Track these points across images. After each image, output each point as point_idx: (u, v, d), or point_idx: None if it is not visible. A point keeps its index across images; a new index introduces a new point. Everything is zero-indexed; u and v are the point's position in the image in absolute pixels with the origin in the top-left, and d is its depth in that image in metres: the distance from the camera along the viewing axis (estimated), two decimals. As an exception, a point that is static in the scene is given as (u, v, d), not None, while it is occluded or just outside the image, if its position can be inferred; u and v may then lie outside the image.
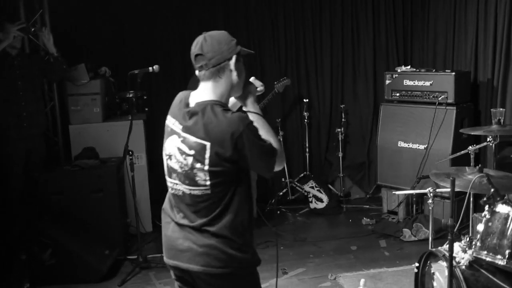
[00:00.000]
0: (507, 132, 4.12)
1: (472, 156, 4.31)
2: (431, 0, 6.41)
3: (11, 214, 4.90)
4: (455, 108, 5.35)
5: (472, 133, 4.51)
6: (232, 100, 2.55)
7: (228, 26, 6.22)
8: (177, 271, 2.47)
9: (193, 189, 2.32)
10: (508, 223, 3.14)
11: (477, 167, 3.50)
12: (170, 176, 2.42)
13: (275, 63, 6.61)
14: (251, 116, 2.39)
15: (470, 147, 4.31)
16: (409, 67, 5.99)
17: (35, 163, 5.13)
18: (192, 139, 2.29)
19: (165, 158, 2.44)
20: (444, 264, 3.28)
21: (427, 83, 5.58)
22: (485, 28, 5.47)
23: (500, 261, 3.11)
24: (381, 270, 4.60)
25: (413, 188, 5.25)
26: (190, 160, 2.30)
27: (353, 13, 6.68)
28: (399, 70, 5.91)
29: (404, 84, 5.77)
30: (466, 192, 3.67)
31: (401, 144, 5.73)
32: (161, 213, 2.54)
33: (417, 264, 3.53)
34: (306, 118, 6.52)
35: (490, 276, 3.17)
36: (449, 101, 5.39)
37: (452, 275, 3.04)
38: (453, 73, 5.39)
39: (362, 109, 6.77)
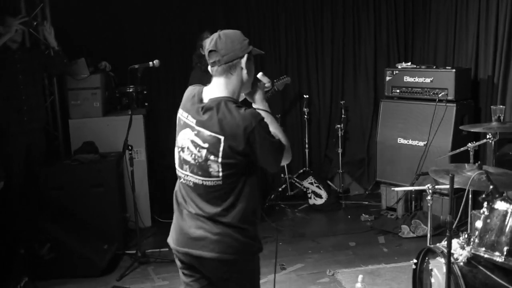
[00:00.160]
0: (507, 129, 4.11)
1: (471, 153, 4.31)
2: (432, -4, 6.42)
3: (11, 209, 4.90)
4: (455, 105, 5.35)
5: (472, 130, 4.51)
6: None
7: (229, 23, 6.21)
8: (187, 258, 2.56)
9: (206, 180, 2.44)
10: (507, 220, 3.14)
11: (476, 164, 3.50)
12: (181, 168, 2.53)
13: (275, 59, 6.60)
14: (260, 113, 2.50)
15: (469, 144, 4.30)
16: (409, 63, 5.99)
17: (35, 157, 5.14)
18: (207, 132, 2.41)
19: (177, 150, 2.55)
20: (442, 260, 3.28)
21: (428, 80, 5.57)
22: (486, 25, 5.47)
23: (498, 258, 3.11)
24: (380, 266, 4.61)
25: (412, 185, 5.25)
26: (204, 152, 2.42)
27: (354, 9, 6.68)
28: (399, 67, 5.90)
29: (405, 80, 5.77)
30: (465, 189, 3.68)
31: (401, 140, 5.73)
32: (173, 198, 2.64)
33: (415, 261, 3.54)
34: (306, 114, 6.53)
35: (488, 273, 3.18)
36: (449, 98, 5.38)
37: (450, 272, 3.04)
38: (454, 70, 5.39)
39: (362, 106, 6.77)
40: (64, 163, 5.20)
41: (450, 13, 6.04)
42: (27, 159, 5.07)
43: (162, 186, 6.21)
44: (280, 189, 6.40)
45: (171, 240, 2.65)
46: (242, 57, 2.48)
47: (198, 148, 2.44)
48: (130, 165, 4.90)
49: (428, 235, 3.94)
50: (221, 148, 2.39)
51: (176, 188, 2.64)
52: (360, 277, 3.75)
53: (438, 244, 3.49)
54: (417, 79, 5.68)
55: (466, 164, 3.69)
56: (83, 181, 5.03)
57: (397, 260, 4.70)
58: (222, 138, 2.38)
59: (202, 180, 2.45)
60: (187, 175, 2.50)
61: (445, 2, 6.13)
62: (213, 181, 2.43)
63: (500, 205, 3.26)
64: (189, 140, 2.47)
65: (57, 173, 5.08)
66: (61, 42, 5.30)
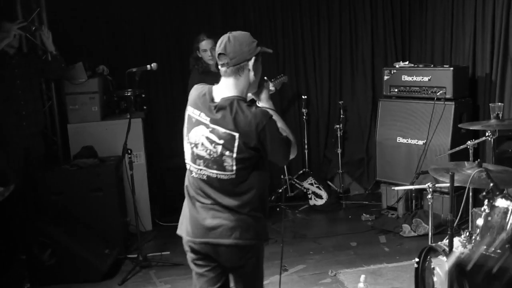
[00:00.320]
0: (505, 126, 4.12)
1: (471, 151, 4.31)
2: (429, -5, 6.43)
3: (11, 214, 4.89)
4: (453, 103, 5.35)
5: (471, 128, 4.52)
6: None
7: (226, 24, 6.22)
8: (204, 248, 2.70)
9: (220, 174, 2.61)
10: (508, 217, 3.14)
11: (476, 161, 3.50)
12: (194, 162, 2.68)
13: (272, 60, 6.60)
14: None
15: (469, 141, 4.30)
16: (407, 62, 5.99)
17: (34, 162, 5.12)
18: (222, 130, 2.57)
19: (189, 146, 2.69)
20: (444, 259, 3.28)
21: (426, 79, 5.58)
22: (483, 22, 5.47)
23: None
24: (381, 266, 4.60)
25: (412, 184, 5.25)
26: (219, 148, 2.59)
27: (351, 9, 6.68)
28: (397, 66, 5.90)
29: (403, 79, 5.77)
30: (465, 187, 3.68)
31: (400, 139, 5.73)
32: (184, 191, 2.78)
33: (417, 260, 3.54)
34: (305, 114, 6.52)
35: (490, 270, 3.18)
36: (448, 96, 5.39)
37: (452, 270, 3.05)
38: (452, 68, 5.39)
39: (361, 105, 6.77)
40: (63, 168, 5.18)
41: (446, 11, 6.05)
42: (25, 164, 5.06)
43: (162, 190, 6.21)
44: (280, 190, 6.39)
45: (184, 232, 2.77)
46: (249, 59, 2.63)
47: (213, 144, 2.60)
48: (129, 169, 4.89)
49: (430, 233, 3.94)
50: (236, 144, 2.56)
51: (187, 182, 2.76)
52: (362, 277, 3.75)
53: (439, 243, 3.49)
54: (415, 78, 5.68)
55: (465, 162, 3.69)
56: (83, 186, 5.02)
57: (399, 260, 4.69)
58: (236, 135, 2.55)
59: (217, 174, 2.61)
60: (201, 169, 2.65)
61: (442, 0, 6.14)
62: (227, 174, 2.60)
63: (501, 203, 3.26)
64: (203, 136, 2.62)
65: (57, 178, 5.07)
66: (58, 46, 5.29)
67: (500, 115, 4.11)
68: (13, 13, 5.37)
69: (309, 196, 6.24)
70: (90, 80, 5.61)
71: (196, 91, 2.75)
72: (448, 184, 3.50)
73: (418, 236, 5.18)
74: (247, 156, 2.58)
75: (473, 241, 3.28)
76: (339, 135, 6.45)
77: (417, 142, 5.57)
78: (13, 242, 4.87)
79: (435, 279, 3.39)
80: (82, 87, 5.57)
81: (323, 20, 6.66)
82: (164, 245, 5.31)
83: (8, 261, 4.83)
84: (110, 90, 5.95)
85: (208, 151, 2.62)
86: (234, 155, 2.57)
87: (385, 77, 5.91)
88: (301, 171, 6.52)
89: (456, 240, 3.33)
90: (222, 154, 2.58)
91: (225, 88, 2.65)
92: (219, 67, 2.67)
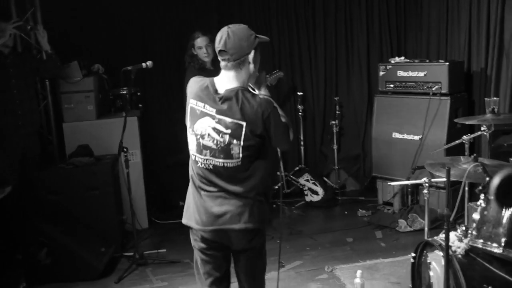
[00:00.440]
0: (501, 121, 4.11)
1: (466, 146, 4.31)
2: (424, -10, 6.43)
3: (7, 214, 4.88)
4: (449, 98, 5.36)
5: (467, 123, 4.51)
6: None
7: (222, 22, 6.12)
8: (214, 235, 2.81)
9: (227, 162, 2.71)
10: (503, 212, 3.14)
11: (472, 156, 3.50)
12: (200, 153, 2.76)
13: (268, 56, 6.59)
14: None
15: (464, 136, 4.29)
16: (402, 58, 5.98)
17: (30, 161, 5.11)
18: (229, 120, 2.68)
19: (195, 137, 2.78)
20: (441, 253, 3.28)
21: (421, 74, 5.58)
22: (478, 17, 5.47)
23: (496, 249, 3.11)
24: (378, 261, 4.61)
25: (408, 179, 5.25)
26: (227, 137, 2.69)
27: (347, 4, 6.67)
28: (392, 62, 5.90)
29: (398, 75, 5.77)
30: (461, 182, 3.68)
31: (396, 135, 5.73)
32: (189, 188, 2.89)
33: (413, 254, 3.54)
34: (301, 111, 6.52)
35: (487, 265, 3.17)
36: (443, 91, 5.39)
37: (448, 264, 3.05)
38: (447, 63, 5.39)
39: (356, 101, 6.77)
40: (59, 167, 5.17)
41: (441, 6, 6.05)
42: (22, 163, 5.05)
43: (158, 188, 6.21)
44: (276, 187, 6.38)
45: (193, 222, 2.84)
46: (249, 53, 2.73)
47: (220, 134, 2.69)
48: (125, 167, 4.88)
49: (426, 228, 3.94)
50: (243, 133, 2.67)
51: (191, 173, 2.85)
52: (358, 272, 3.76)
53: (435, 237, 3.49)
54: (410, 73, 5.68)
55: (461, 157, 3.69)
56: (79, 185, 5.02)
57: (395, 255, 4.70)
58: (244, 124, 2.66)
59: (223, 162, 2.71)
60: (207, 159, 2.74)
61: (437, -5, 6.15)
62: (234, 162, 2.71)
63: (497, 197, 3.26)
64: (210, 127, 2.72)
65: (53, 177, 5.06)
66: (53, 44, 5.27)
67: (496, 110, 4.11)
68: (7, 12, 5.36)
69: (305, 192, 6.24)
70: (85, 79, 5.60)
71: (196, 84, 2.82)
72: (444, 179, 3.50)
73: (414, 231, 5.20)
74: (252, 143, 2.69)
75: (469, 235, 3.29)
76: (335, 131, 6.45)
77: (413, 137, 5.57)
78: (9, 241, 4.86)
79: (431, 273, 3.38)
80: (77, 86, 5.55)
81: (318, 15, 6.65)
82: (161, 243, 5.32)
83: (4, 261, 4.82)
84: (106, 88, 5.94)
85: (215, 141, 2.71)
86: (242, 143, 2.68)
87: (381, 73, 5.91)
88: (297, 168, 6.52)
89: (452, 235, 3.34)
90: (229, 143, 2.69)
91: (228, 80, 2.75)
92: (220, 62, 2.76)
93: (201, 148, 2.75)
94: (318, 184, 6.20)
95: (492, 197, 2.82)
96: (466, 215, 4.20)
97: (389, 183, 5.20)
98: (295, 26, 6.64)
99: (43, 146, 5.59)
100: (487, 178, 3.25)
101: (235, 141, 2.69)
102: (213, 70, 4.98)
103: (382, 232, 5.29)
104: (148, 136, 6.10)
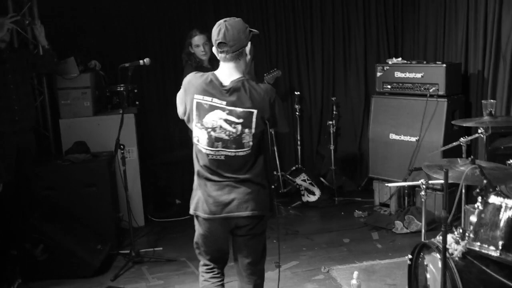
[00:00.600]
0: (498, 123, 4.12)
1: (464, 148, 4.32)
2: (421, -8, 6.44)
3: (3, 210, 4.86)
4: (446, 100, 5.36)
5: (464, 125, 4.52)
6: None
7: (219, 19, 6.18)
8: (222, 223, 2.97)
9: (239, 151, 2.87)
10: (501, 214, 3.15)
11: (469, 158, 3.51)
12: (212, 146, 2.88)
13: (265, 56, 6.59)
14: None
15: (461, 138, 4.30)
16: (400, 59, 5.99)
17: (26, 157, 5.08)
18: (239, 109, 2.84)
19: (205, 131, 2.88)
20: (438, 255, 3.29)
21: (418, 75, 5.58)
22: (475, 19, 5.48)
23: (493, 252, 3.12)
24: (374, 262, 4.61)
25: (404, 180, 5.26)
26: (239, 127, 2.85)
27: (344, 4, 6.68)
28: (390, 62, 5.90)
29: (395, 76, 5.77)
30: (458, 184, 3.68)
31: (393, 136, 5.73)
32: (196, 181, 3.01)
33: (410, 256, 3.54)
34: (298, 110, 6.52)
35: (483, 267, 3.18)
36: (440, 93, 5.40)
37: (446, 267, 3.05)
38: (444, 65, 5.40)
39: (354, 102, 6.78)
40: (56, 163, 5.16)
41: (439, 8, 6.06)
42: (18, 159, 5.03)
43: (155, 185, 6.20)
44: (272, 186, 6.37)
45: (201, 212, 2.97)
46: (246, 45, 2.90)
47: (233, 125, 2.85)
48: (122, 164, 4.87)
49: (423, 230, 3.95)
50: (254, 120, 2.84)
51: (198, 166, 2.97)
52: (355, 273, 3.76)
53: (432, 239, 3.50)
54: (407, 75, 5.68)
55: (458, 159, 3.69)
56: (75, 181, 5.01)
57: (392, 256, 4.70)
58: (255, 111, 2.84)
59: (235, 152, 2.87)
60: (219, 151, 2.87)
61: (434, -4, 6.16)
62: (245, 151, 2.87)
63: (494, 199, 3.27)
64: (221, 119, 2.85)
65: (49, 173, 5.05)
66: (49, 41, 5.25)
67: (493, 112, 4.12)
68: (3, 7, 5.33)
69: (302, 192, 6.24)
70: (82, 75, 5.58)
71: (198, 79, 2.92)
72: (441, 181, 3.51)
73: (410, 233, 5.19)
74: (260, 130, 2.89)
75: (466, 238, 3.29)
76: (332, 131, 6.45)
77: (409, 138, 5.58)
78: (5, 237, 4.84)
79: (428, 275, 3.40)
80: (74, 82, 5.54)
81: (316, 15, 6.66)
82: (157, 241, 5.31)
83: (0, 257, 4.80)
84: (103, 85, 5.92)
85: (227, 132, 2.85)
86: (253, 131, 2.86)
87: (378, 74, 5.91)
88: (294, 168, 6.52)
89: (449, 237, 3.35)
90: (242, 133, 2.85)
91: (230, 72, 2.90)
92: (219, 54, 2.90)
93: (213, 141, 2.87)
94: (314, 184, 6.21)
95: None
96: (463, 218, 4.22)
97: (385, 184, 5.22)
98: (293, 26, 6.64)
99: (40, 142, 5.56)
100: (485, 181, 3.27)
101: (246, 130, 2.85)
102: (210, 68, 4.98)
103: (379, 234, 5.28)
104: (145, 133, 6.09)
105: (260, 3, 6.53)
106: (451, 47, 5.93)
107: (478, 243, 3.21)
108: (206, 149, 2.90)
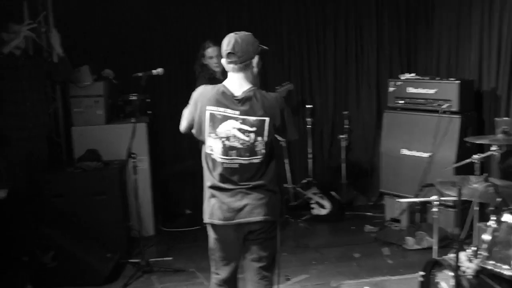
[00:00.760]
0: (512, 141, 4.11)
1: (477, 165, 4.29)
2: (435, 8, 6.44)
3: (14, 216, 4.87)
4: (459, 116, 5.34)
5: (477, 142, 4.50)
6: None
7: (232, 31, 6.21)
8: (235, 229, 3.05)
9: (252, 159, 2.99)
10: (515, 234, 3.13)
11: (483, 176, 3.50)
12: (226, 154, 2.99)
13: (278, 69, 6.60)
14: None
15: (475, 155, 4.28)
16: (413, 74, 5.98)
17: (37, 164, 5.11)
18: (252, 118, 2.97)
19: (220, 140, 2.99)
20: (450, 273, 3.27)
21: (431, 91, 5.56)
22: (489, 36, 5.48)
23: (507, 271, 3.11)
24: (385, 278, 4.56)
25: (416, 196, 5.23)
26: (252, 135, 2.97)
27: (357, 19, 6.69)
28: (402, 78, 5.89)
29: (408, 91, 5.75)
30: (471, 201, 3.67)
31: (404, 151, 5.70)
32: (208, 191, 3.08)
33: (422, 273, 3.52)
34: (309, 124, 6.51)
35: (496, 286, 3.17)
36: (453, 109, 5.37)
37: (459, 285, 3.03)
38: (458, 82, 5.37)
39: (365, 116, 6.77)
40: (67, 171, 5.18)
41: (453, 24, 6.06)
42: (29, 166, 5.05)
43: (165, 195, 6.20)
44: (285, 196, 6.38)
45: (216, 219, 3.05)
46: (253, 57, 3.03)
47: (246, 134, 2.97)
48: (133, 173, 4.88)
49: (434, 247, 3.92)
50: (266, 128, 2.98)
51: (209, 175, 3.05)
52: (366, 288, 3.74)
53: (444, 257, 3.48)
54: (420, 90, 5.67)
55: (471, 176, 3.68)
56: (86, 189, 5.02)
57: (403, 272, 4.64)
58: (267, 119, 2.98)
59: (248, 160, 2.99)
60: (233, 159, 2.98)
61: (448, 12, 6.15)
62: (258, 158, 2.99)
63: (508, 218, 3.26)
64: (235, 129, 2.97)
65: (60, 180, 5.07)
66: (64, 49, 5.28)
67: (507, 130, 4.10)
68: (19, 15, 5.38)
69: (312, 205, 6.21)
70: (95, 83, 5.62)
71: (210, 91, 3.05)
72: (454, 198, 3.50)
73: (421, 249, 5.13)
74: (272, 138, 3.03)
75: (479, 256, 3.27)
76: (343, 145, 6.43)
77: (421, 154, 5.55)
78: (16, 243, 4.85)
79: (440, 293, 3.37)
80: (87, 90, 5.57)
81: (329, 30, 6.67)
82: (167, 251, 5.30)
83: (10, 263, 4.81)
84: (115, 94, 5.94)
85: (241, 141, 2.97)
86: (265, 138, 2.99)
87: (390, 89, 5.90)
88: (305, 181, 6.49)
89: (462, 255, 3.33)
90: (255, 141, 2.97)
91: (240, 83, 3.03)
92: (227, 64, 3.04)
93: (227, 150, 2.98)
94: (325, 198, 6.18)
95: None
96: (476, 236, 4.18)
97: (397, 200, 5.19)
98: (306, 40, 6.65)
99: (52, 149, 5.59)
100: (499, 199, 3.25)
101: (259, 138, 2.98)
102: (223, 80, 4.98)
103: (389, 249, 5.23)
104: (156, 143, 6.10)
105: (273, 17, 6.54)
106: (464, 63, 5.92)
107: (492, 262, 3.19)
108: (221, 158, 3.00)
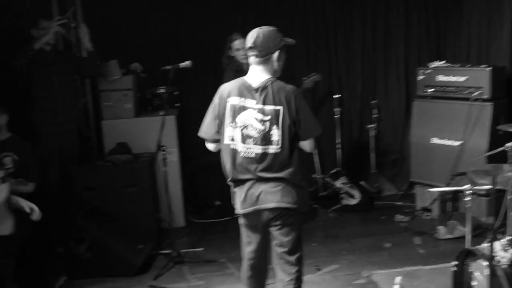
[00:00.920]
0: (546, 129, 4.03)
1: (510, 154, 4.22)
2: (465, -7, 6.33)
3: (48, 209, 4.95)
4: (491, 104, 5.24)
5: (510, 130, 4.42)
6: None
7: (258, 24, 6.15)
8: (255, 215, 3.17)
9: (267, 148, 3.07)
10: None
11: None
12: (244, 142, 3.11)
13: (305, 59, 6.57)
14: None
15: (507, 144, 4.21)
16: (444, 62, 5.88)
17: (69, 158, 5.19)
18: (268, 107, 3.08)
19: (239, 129, 3.11)
20: (484, 263, 3.22)
21: (462, 79, 5.47)
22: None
23: (543, 260, 3.06)
24: (417, 268, 4.51)
25: (448, 185, 5.16)
26: (267, 124, 3.07)
27: (385, 7, 6.60)
28: (432, 66, 5.81)
29: (437, 79, 5.67)
30: (504, 190, 3.61)
31: (435, 140, 5.63)
32: (231, 185, 3.24)
33: (455, 263, 3.48)
34: (337, 113, 6.47)
35: (532, 276, 3.12)
36: (485, 96, 5.28)
37: (494, 274, 2.99)
38: (490, 68, 5.27)
39: (394, 105, 6.70)
40: (98, 164, 5.25)
41: (484, 8, 5.93)
42: (61, 159, 5.13)
43: (194, 186, 6.23)
44: (311, 189, 6.36)
45: (239, 208, 3.21)
46: (274, 52, 3.14)
47: (262, 122, 3.07)
48: (163, 166, 4.92)
49: (467, 237, 3.87)
50: (281, 117, 3.06)
51: (230, 167, 3.15)
52: (398, 278, 3.71)
53: (478, 247, 3.44)
54: (450, 78, 5.58)
55: (505, 165, 3.62)
56: (117, 182, 5.09)
57: (435, 262, 4.58)
58: (281, 108, 3.06)
59: (265, 149, 3.07)
60: (249, 148, 3.09)
61: (478, -2, 6.04)
62: (274, 148, 3.08)
63: (544, 206, 3.20)
64: (252, 118, 3.09)
65: (91, 174, 5.15)
66: (92, 44, 5.33)
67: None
68: (49, 11, 5.44)
69: (342, 195, 6.18)
70: (124, 77, 5.68)
71: (231, 84, 3.21)
72: (488, 187, 3.45)
73: (453, 238, 5.05)
74: (288, 128, 3.06)
75: (514, 245, 3.23)
76: (372, 134, 6.38)
77: (453, 143, 5.47)
78: (51, 235, 4.94)
79: (475, 283, 3.33)
80: (116, 84, 5.63)
81: (356, 18, 6.60)
82: (197, 242, 5.34)
83: (46, 254, 4.90)
84: (143, 87, 5.98)
85: (257, 129, 3.07)
86: (280, 128, 3.06)
87: (420, 77, 5.82)
88: (334, 171, 6.45)
89: (496, 244, 3.28)
90: (270, 130, 3.06)
91: (258, 74, 3.14)
92: (249, 57, 3.17)
93: (245, 138, 3.10)
94: (355, 188, 6.15)
95: None
96: (510, 225, 4.11)
97: (428, 190, 5.12)
98: (332, 29, 6.60)
99: (82, 143, 5.66)
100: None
101: (274, 127, 3.06)
102: (249, 71, 4.99)
103: (420, 239, 5.17)
104: (185, 135, 6.13)
105: (300, 8, 6.51)
106: (495, 49, 5.80)
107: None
108: (239, 146, 3.12)
